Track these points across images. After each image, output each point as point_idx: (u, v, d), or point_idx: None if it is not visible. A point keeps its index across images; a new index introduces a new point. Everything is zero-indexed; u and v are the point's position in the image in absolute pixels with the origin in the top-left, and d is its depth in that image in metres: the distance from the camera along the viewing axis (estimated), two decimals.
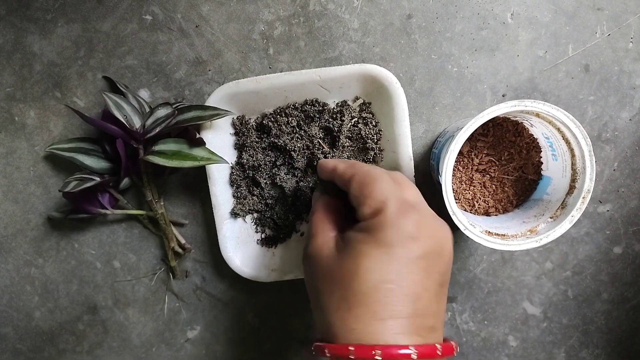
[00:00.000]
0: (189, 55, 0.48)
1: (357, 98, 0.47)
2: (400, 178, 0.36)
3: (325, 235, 0.35)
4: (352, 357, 0.29)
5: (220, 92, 0.45)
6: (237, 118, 0.48)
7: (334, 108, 0.47)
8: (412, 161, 0.45)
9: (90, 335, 0.52)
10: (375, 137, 0.46)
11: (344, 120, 0.46)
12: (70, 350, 0.52)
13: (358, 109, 0.47)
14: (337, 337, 0.30)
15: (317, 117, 0.46)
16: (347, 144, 0.46)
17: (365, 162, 0.47)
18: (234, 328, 0.52)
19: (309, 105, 0.47)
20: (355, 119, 0.46)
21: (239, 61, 0.48)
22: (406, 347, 0.29)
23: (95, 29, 0.48)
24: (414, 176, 0.45)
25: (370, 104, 0.47)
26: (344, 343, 0.30)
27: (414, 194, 0.35)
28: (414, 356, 0.28)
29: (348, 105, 0.47)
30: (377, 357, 0.28)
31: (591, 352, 0.51)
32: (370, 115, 0.47)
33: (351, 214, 0.37)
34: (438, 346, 0.30)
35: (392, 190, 0.34)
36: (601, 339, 0.51)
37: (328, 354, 0.30)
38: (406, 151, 0.45)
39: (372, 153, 0.46)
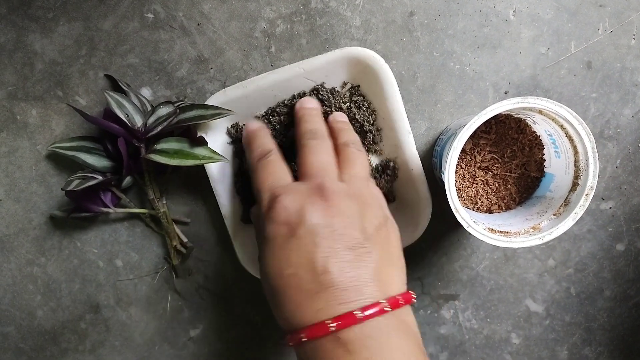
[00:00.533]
0: (191, 53, 0.48)
1: (345, 83, 0.47)
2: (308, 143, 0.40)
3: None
4: (290, 345, 0.32)
5: (210, 103, 0.45)
6: (231, 126, 0.47)
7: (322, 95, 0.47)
8: (411, 135, 0.45)
9: (93, 334, 0.52)
10: (370, 119, 0.46)
11: (334, 108, 0.46)
12: (72, 349, 0.52)
13: (348, 94, 0.47)
14: (284, 330, 0.34)
15: None
16: None
17: (365, 145, 0.47)
18: (236, 326, 0.52)
19: (296, 99, 0.46)
20: (347, 104, 0.46)
21: (240, 59, 0.48)
22: (322, 322, 0.30)
23: (96, 27, 0.47)
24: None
25: (359, 86, 0.47)
26: (284, 335, 0.33)
27: (312, 161, 0.38)
28: (333, 329, 0.30)
29: (337, 92, 0.46)
30: (303, 340, 0.31)
31: (594, 350, 0.51)
32: (362, 98, 0.46)
33: None
34: (358, 313, 0.30)
35: (263, 181, 0.38)
36: (604, 337, 0.51)
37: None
38: (403, 126, 0.45)
39: (371, 135, 0.46)
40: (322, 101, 0.46)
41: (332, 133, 0.42)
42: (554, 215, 0.41)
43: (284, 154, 0.47)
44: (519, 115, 0.44)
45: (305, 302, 0.32)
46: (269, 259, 0.34)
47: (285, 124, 0.46)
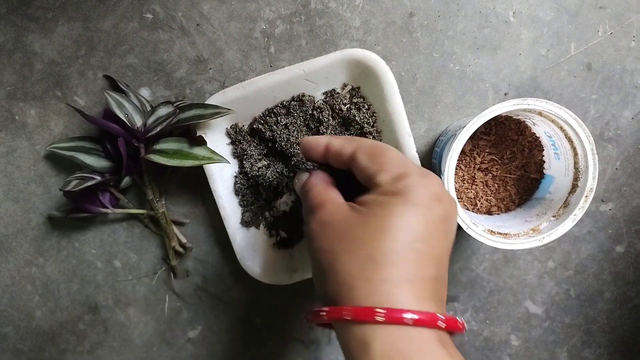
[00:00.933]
0: (190, 53, 0.48)
1: (345, 85, 0.47)
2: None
3: (335, 201, 0.34)
4: (379, 320, 0.27)
5: (210, 103, 0.45)
6: (230, 127, 0.47)
7: (321, 100, 0.47)
8: (411, 137, 0.45)
9: (91, 335, 0.52)
10: (370, 120, 0.46)
11: (334, 110, 0.46)
12: (71, 350, 0.52)
13: (348, 96, 0.46)
14: (359, 300, 0.29)
15: (304, 112, 0.46)
16: (349, 131, 0.46)
17: None
18: (235, 328, 0.52)
19: (295, 101, 0.46)
20: (347, 106, 0.46)
21: (240, 60, 0.48)
22: (434, 314, 0.28)
23: (96, 27, 0.47)
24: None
25: (359, 88, 0.46)
26: (368, 305, 0.28)
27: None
28: (442, 325, 0.28)
29: (337, 93, 0.46)
30: (407, 321, 0.27)
31: (593, 352, 0.51)
32: (362, 100, 0.46)
33: (348, 190, 0.36)
34: (460, 319, 0.29)
35: (405, 158, 0.34)
36: (603, 338, 0.51)
37: (347, 318, 0.28)
38: (403, 128, 0.45)
39: (371, 137, 0.46)
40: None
41: None
42: (553, 217, 0.41)
43: (279, 158, 0.47)
44: (519, 117, 0.44)
45: (415, 282, 0.29)
46: (404, 222, 0.30)
47: (282, 124, 0.46)
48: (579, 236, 0.50)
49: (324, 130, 0.46)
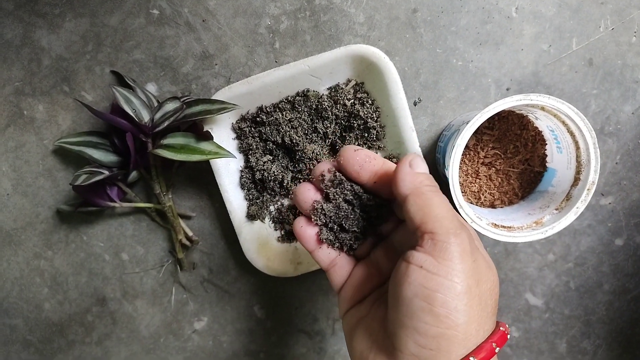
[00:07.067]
0: (196, 49, 0.48)
1: (349, 80, 0.47)
2: None
3: None
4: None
5: (216, 98, 0.45)
6: (236, 122, 0.48)
7: (326, 95, 0.47)
8: (415, 132, 0.45)
9: (99, 326, 0.52)
10: (374, 115, 0.46)
11: (338, 104, 0.46)
12: (79, 341, 0.53)
13: (352, 91, 0.47)
14: None
15: (308, 107, 0.47)
16: (352, 125, 0.47)
17: (368, 142, 0.47)
18: (240, 319, 0.53)
19: (300, 96, 0.47)
20: (351, 101, 0.47)
21: (245, 55, 0.48)
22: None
23: (103, 23, 0.48)
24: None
25: (363, 83, 0.47)
26: None
27: None
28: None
29: (342, 88, 0.47)
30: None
31: (592, 342, 0.52)
32: (365, 95, 0.47)
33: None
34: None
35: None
36: (602, 329, 0.52)
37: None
38: (406, 123, 0.45)
39: (374, 132, 0.47)
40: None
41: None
42: (556, 210, 0.42)
43: (284, 153, 0.48)
44: (522, 112, 0.45)
45: None
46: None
47: (287, 119, 0.47)
48: (579, 229, 0.50)
49: (328, 125, 0.47)
